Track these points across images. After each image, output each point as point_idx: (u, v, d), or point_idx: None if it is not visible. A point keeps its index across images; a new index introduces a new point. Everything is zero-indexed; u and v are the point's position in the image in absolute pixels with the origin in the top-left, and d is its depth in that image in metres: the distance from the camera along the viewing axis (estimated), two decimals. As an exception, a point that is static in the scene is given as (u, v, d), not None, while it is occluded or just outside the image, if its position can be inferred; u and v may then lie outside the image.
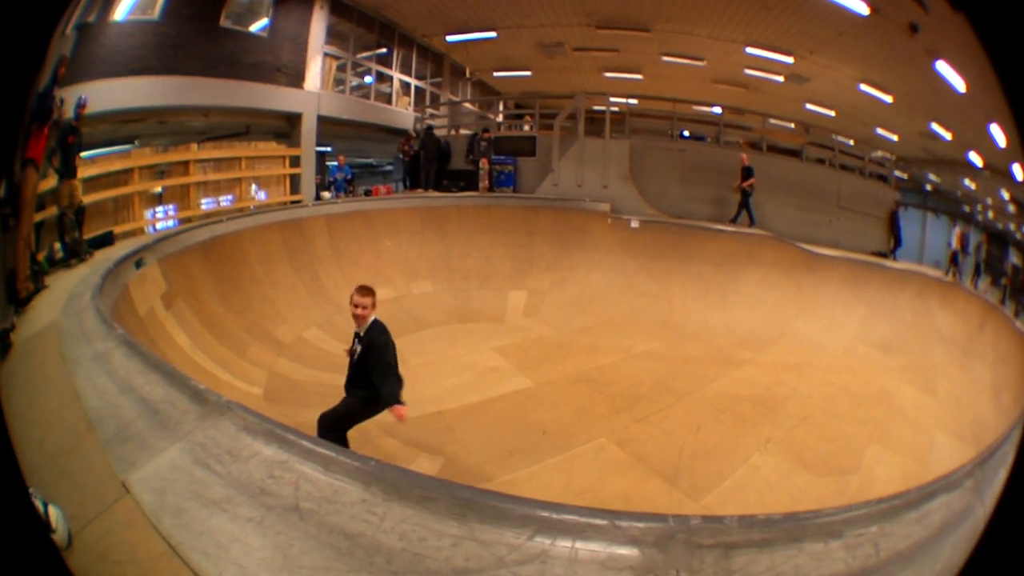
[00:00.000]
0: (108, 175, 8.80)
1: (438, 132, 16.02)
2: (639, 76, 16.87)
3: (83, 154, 7.81)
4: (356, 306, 4.49)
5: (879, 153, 17.16)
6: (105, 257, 6.46)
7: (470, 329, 9.83)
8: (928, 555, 2.06)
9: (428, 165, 14.73)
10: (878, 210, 14.66)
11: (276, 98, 13.13)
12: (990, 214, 19.75)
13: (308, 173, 13.58)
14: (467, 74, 20.38)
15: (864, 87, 15.25)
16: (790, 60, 14.42)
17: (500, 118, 20.89)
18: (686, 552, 2.00)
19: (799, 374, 8.68)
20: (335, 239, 10.89)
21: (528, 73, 18.95)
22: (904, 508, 2.32)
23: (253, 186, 11.99)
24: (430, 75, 19.09)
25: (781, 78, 15.52)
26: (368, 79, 16.62)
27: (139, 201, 9.28)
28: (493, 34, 16.63)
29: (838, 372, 9.19)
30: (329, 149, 14.66)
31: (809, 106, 16.84)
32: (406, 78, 17.99)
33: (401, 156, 15.57)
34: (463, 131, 16.87)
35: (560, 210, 12.58)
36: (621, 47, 15.80)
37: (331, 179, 14.31)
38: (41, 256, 6.62)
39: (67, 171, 6.99)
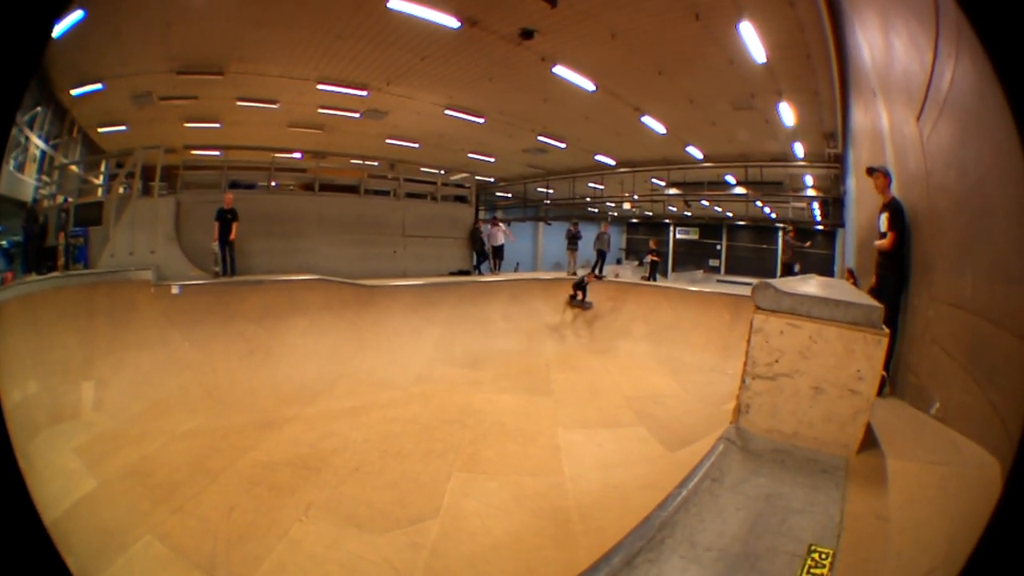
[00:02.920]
0: None
1: (45, 204, 14.75)
2: (217, 124, 16.51)
3: None
4: None
5: (458, 176, 17.72)
6: None
7: (59, 431, 8.75)
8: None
9: (30, 244, 13.61)
10: (457, 231, 15.25)
11: None
12: (626, 205, 21.66)
13: None
14: (73, 132, 18.89)
15: (451, 112, 15.82)
16: (365, 94, 14.66)
17: (100, 180, 19.54)
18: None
19: (353, 420, 8.55)
20: None
21: (123, 128, 17.95)
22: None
23: None
24: (53, 137, 17.15)
25: (358, 114, 15.77)
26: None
27: None
28: (99, 85, 15.69)
29: (405, 405, 9.17)
30: None
31: (391, 140, 17.29)
32: (37, 140, 16.19)
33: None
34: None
35: (112, 284, 11.62)
36: (200, 94, 15.45)
37: None
38: None
39: None
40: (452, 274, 14.44)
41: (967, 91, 3.26)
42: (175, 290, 11.17)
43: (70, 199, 14.30)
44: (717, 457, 3.36)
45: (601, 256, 16.76)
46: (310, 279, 11.78)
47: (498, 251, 16.50)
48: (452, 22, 11.00)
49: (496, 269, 16.42)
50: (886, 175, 5.80)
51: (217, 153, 14.77)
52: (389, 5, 10.48)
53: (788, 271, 15.54)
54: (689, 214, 22.50)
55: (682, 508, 2.77)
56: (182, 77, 14.50)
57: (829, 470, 3.21)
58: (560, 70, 12.92)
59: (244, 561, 5.13)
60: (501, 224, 17.27)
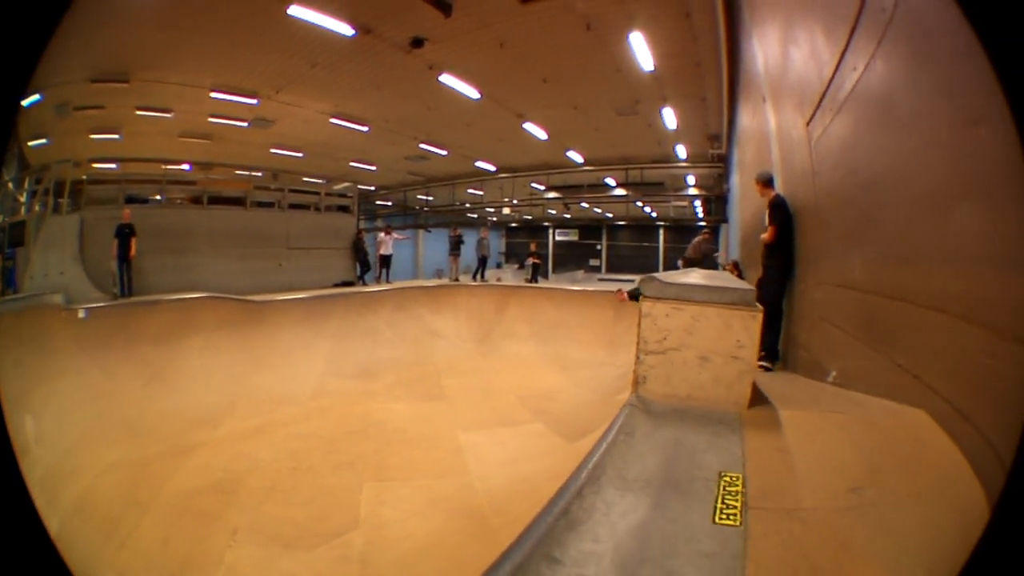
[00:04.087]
0: None
1: None
2: (117, 136, 16.25)
3: None
4: None
5: (341, 185, 17.84)
6: None
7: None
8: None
9: None
10: (339, 241, 15.61)
11: None
12: (506, 210, 21.89)
13: None
14: (10, 146, 18.85)
15: (336, 120, 16.20)
16: (255, 102, 14.86)
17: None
18: None
19: (260, 439, 8.60)
20: None
21: (44, 141, 17.91)
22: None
23: None
24: None
25: (246, 123, 16.00)
26: None
27: None
28: (37, 96, 14.48)
29: (306, 420, 9.31)
30: None
31: (276, 150, 17.61)
32: None
33: None
34: None
35: (22, 312, 11.34)
36: (106, 103, 15.01)
37: None
38: None
39: None
40: (336, 285, 14.69)
41: (863, 99, 3.69)
42: (81, 314, 11.16)
43: (4, 219, 13.75)
44: (625, 418, 3.89)
45: (482, 261, 17.44)
46: (201, 297, 11.92)
47: (386, 260, 16.69)
48: (347, 29, 11.31)
49: (386, 279, 16.65)
50: (769, 181, 6.39)
51: (114, 166, 14.84)
52: (289, 11, 10.73)
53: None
54: (569, 216, 23.11)
55: (606, 454, 3.34)
56: (95, 86, 14.20)
57: (725, 421, 3.75)
58: (446, 78, 13.56)
59: None
60: (394, 232, 17.58)
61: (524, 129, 16.53)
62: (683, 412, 3.95)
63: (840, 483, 2.64)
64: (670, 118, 15.13)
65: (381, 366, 11.53)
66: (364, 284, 15.69)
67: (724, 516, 2.54)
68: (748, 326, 3.98)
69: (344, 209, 16.59)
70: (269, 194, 15.57)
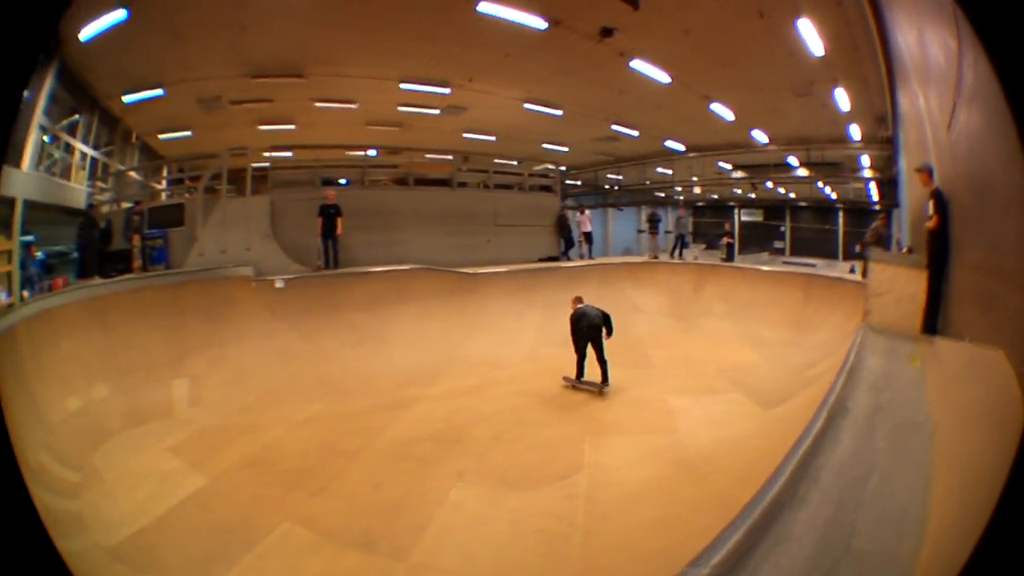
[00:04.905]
0: None
1: (105, 210, 15.20)
2: (292, 126, 17.00)
3: None
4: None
5: (542, 166, 18.17)
6: None
7: (144, 431, 8.83)
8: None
9: (89, 249, 13.80)
10: (544, 219, 15.92)
11: None
12: (697, 190, 22.41)
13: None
14: (133, 139, 19.02)
15: (530, 106, 16.51)
16: (447, 91, 15.27)
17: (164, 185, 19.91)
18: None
19: (479, 395, 9.07)
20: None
21: (188, 133, 18.19)
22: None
23: None
24: (103, 143, 17.52)
25: (438, 111, 16.47)
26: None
27: None
28: (160, 91, 15.88)
29: (523, 380, 9.72)
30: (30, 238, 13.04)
31: (468, 135, 17.97)
32: (86, 148, 16.44)
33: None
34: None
35: (205, 282, 12.07)
36: (275, 96, 15.88)
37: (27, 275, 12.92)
38: None
39: None
40: (541, 260, 15.12)
41: (983, 92, 4.02)
42: (279, 284, 11.88)
43: (141, 203, 14.75)
44: (861, 336, 6.50)
45: (680, 239, 17.58)
46: (415, 268, 12.45)
47: (588, 237, 17.28)
48: (540, 23, 11.75)
49: (589, 255, 17.20)
50: (929, 172, 7.02)
51: (289, 154, 15.50)
52: (479, 8, 11.17)
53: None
54: (754, 196, 23.30)
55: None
56: (257, 80, 14.79)
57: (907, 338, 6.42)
58: (637, 64, 13.83)
59: (405, 531, 5.38)
60: (587, 211, 18.03)
61: (711, 110, 16.71)
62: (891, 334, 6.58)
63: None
64: (843, 99, 15.38)
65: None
66: (568, 259, 16.07)
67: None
68: (914, 279, 6.70)
69: (546, 189, 17.04)
70: (473, 176, 16.20)
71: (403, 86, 14.83)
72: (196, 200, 13.68)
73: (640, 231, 18.98)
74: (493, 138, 18.42)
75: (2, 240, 11.68)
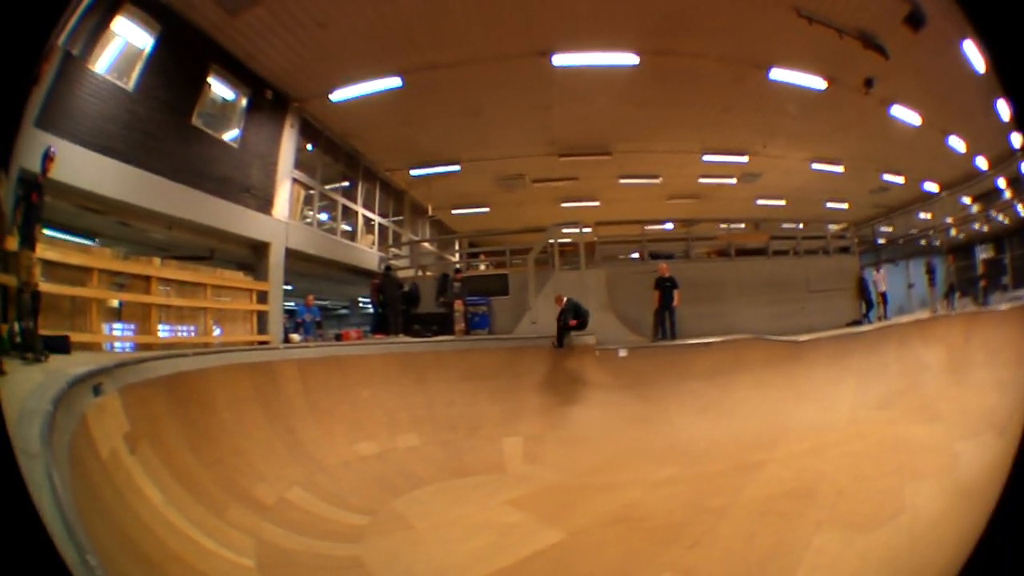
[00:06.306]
0: (66, 267, 8.53)
1: (401, 274, 16.76)
2: (596, 203, 18.05)
3: (45, 230, 7.61)
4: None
5: (835, 227, 18.33)
6: (57, 368, 5.83)
7: (471, 484, 9.68)
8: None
9: (392, 308, 15.22)
10: (846, 282, 15.96)
11: (245, 222, 13.20)
12: (952, 231, 21.36)
13: (276, 311, 13.78)
14: (428, 212, 21.52)
15: (817, 165, 17.49)
16: (745, 159, 16.47)
17: (456, 258, 21.80)
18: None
19: (816, 456, 9.29)
20: (308, 387, 10.63)
21: (486, 209, 20.02)
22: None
23: (213, 323, 11.99)
24: (391, 213, 20.09)
25: (734, 180, 17.65)
26: (323, 215, 17.15)
27: (97, 310, 9.06)
28: (456, 167, 17.68)
29: (850, 442, 9.87)
30: (288, 287, 14.86)
31: (760, 201, 18.97)
32: (370, 214, 18.76)
33: (371, 299, 15.95)
34: (428, 273, 18.00)
35: (544, 349, 13.03)
36: (580, 174, 17.14)
37: (299, 320, 14.58)
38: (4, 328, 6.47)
39: (27, 236, 6.56)
40: (848, 325, 15.04)
41: None
42: (622, 353, 12.75)
43: (461, 271, 16.61)
44: None
45: (951, 288, 16.71)
46: (747, 338, 12.92)
47: (884, 297, 16.94)
48: (820, 83, 12.81)
49: (885, 316, 16.77)
50: None
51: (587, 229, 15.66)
52: (771, 76, 12.41)
53: None
54: (986, 229, 22.15)
55: None
56: (563, 159, 16.01)
57: None
58: (897, 109, 14.44)
59: (780, 571, 5.87)
60: (882, 269, 18.15)
61: (947, 144, 16.41)
62: None
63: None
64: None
65: (893, 398, 11.63)
66: (869, 322, 15.90)
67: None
68: None
69: (844, 250, 16.99)
70: (783, 243, 16.40)
71: (705, 158, 15.86)
72: (528, 271, 14.60)
73: (911, 285, 18.48)
74: (783, 202, 19.12)
75: (247, 280, 13.24)
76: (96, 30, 9.37)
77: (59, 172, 7.64)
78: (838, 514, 6.92)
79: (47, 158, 6.99)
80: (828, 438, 9.99)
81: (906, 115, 14.65)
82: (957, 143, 16.90)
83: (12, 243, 6.63)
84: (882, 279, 17.17)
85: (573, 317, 12.47)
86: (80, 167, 9.04)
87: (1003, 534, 2.05)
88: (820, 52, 11.93)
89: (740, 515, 7.34)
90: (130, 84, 10.28)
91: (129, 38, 10.29)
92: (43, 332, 6.93)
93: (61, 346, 7.28)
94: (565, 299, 12.64)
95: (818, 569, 5.86)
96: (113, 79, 9.94)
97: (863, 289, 16.50)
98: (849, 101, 13.64)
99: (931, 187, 20.41)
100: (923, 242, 21.98)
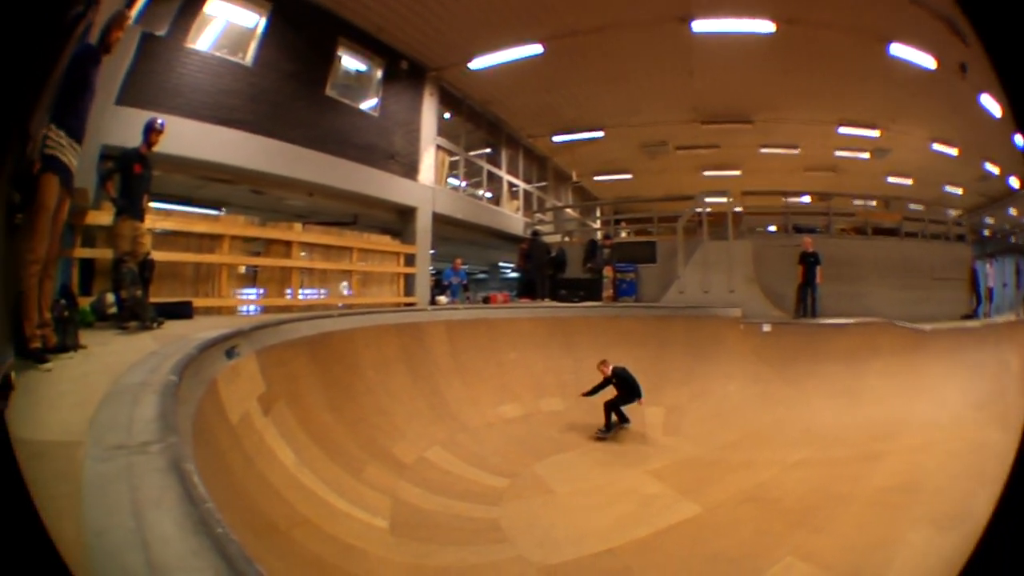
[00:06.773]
0: (187, 235, 8.64)
1: (546, 239, 16.92)
2: (738, 172, 18.19)
3: (152, 204, 7.43)
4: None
5: (954, 213, 18.18)
6: (177, 333, 5.63)
7: (613, 451, 9.63)
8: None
9: (539, 273, 15.45)
10: (961, 272, 15.30)
11: (391, 188, 13.35)
12: None
13: (423, 274, 13.99)
14: (573, 178, 21.99)
15: (936, 146, 16.91)
16: (876, 134, 16.11)
17: (598, 224, 21.94)
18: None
19: (927, 453, 9.20)
20: (456, 348, 10.75)
21: (629, 176, 20.43)
22: None
23: (343, 284, 11.93)
24: (535, 179, 20.43)
25: (867, 155, 17.34)
26: (461, 183, 17.21)
27: (226, 275, 9.08)
28: (600, 134, 17.90)
29: (952, 441, 9.56)
30: (432, 251, 14.90)
31: (890, 179, 18.65)
32: (515, 180, 19.12)
33: (518, 263, 16.30)
34: (574, 239, 18.28)
35: (691, 318, 13.24)
36: (722, 142, 17.02)
37: (446, 283, 14.95)
38: (85, 302, 6.33)
39: (129, 208, 6.46)
40: (963, 318, 14.31)
41: None
42: (766, 328, 12.78)
43: (611, 238, 16.44)
44: None
45: None
46: (880, 322, 12.55)
47: (991, 293, 16.46)
48: (931, 62, 12.56)
49: (988, 313, 15.95)
50: None
51: (723, 199, 15.69)
52: (890, 51, 12.21)
53: None
54: None
55: None
56: (706, 127, 16.02)
57: None
58: (985, 99, 13.67)
59: (877, 566, 5.80)
60: (994, 262, 17.30)
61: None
62: None
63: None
64: None
65: (986, 400, 10.98)
66: (977, 318, 15.06)
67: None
68: None
69: (960, 238, 16.34)
70: (912, 225, 15.90)
71: (840, 130, 15.62)
72: (678, 240, 14.68)
73: (1004, 284, 17.19)
74: (910, 181, 18.52)
75: (395, 244, 13.22)
76: (183, 12, 9.23)
77: (167, 147, 7.34)
78: (935, 510, 6.89)
79: (152, 130, 6.71)
80: (936, 435, 9.99)
81: (992, 106, 13.84)
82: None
83: (98, 217, 6.98)
84: (992, 273, 16.45)
85: (622, 389, 10.16)
86: (195, 139, 9.09)
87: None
88: (926, 31, 11.67)
89: (858, 504, 7.39)
90: (247, 59, 10.29)
91: (231, 19, 10.22)
92: (167, 299, 7.49)
93: (181, 312, 7.47)
94: (610, 367, 10.32)
95: (906, 565, 5.89)
96: (223, 56, 9.93)
97: (975, 282, 15.75)
98: (953, 84, 13.08)
99: (1014, 183, 19.28)
100: (1013, 239, 20.26)
